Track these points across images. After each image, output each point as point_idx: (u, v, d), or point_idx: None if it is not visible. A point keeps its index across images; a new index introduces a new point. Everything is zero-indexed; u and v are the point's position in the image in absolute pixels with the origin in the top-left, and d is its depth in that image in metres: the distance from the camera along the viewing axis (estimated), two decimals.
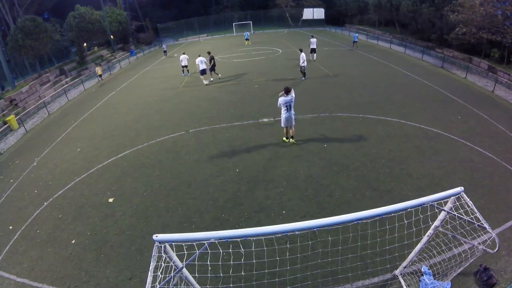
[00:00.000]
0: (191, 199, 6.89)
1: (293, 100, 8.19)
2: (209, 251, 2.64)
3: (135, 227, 6.21)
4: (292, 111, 8.27)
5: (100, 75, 21.22)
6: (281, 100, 8.05)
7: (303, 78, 15.17)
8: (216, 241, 2.53)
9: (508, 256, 4.82)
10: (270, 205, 6.45)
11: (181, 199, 6.90)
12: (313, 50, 19.29)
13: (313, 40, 18.88)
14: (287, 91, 7.95)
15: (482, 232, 3.33)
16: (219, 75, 16.61)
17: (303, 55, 14.63)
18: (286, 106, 8.10)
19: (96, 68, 21.52)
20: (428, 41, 22.19)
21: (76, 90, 19.55)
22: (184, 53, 18.40)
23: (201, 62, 15.55)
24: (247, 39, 30.04)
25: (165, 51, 29.31)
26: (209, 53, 16.21)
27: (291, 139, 8.84)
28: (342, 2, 38.67)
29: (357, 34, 24.72)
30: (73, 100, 17.47)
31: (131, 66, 26.10)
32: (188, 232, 2.69)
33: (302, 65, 14.79)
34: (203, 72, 15.67)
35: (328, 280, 4.42)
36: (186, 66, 18.40)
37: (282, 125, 8.57)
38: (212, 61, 15.82)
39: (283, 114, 8.25)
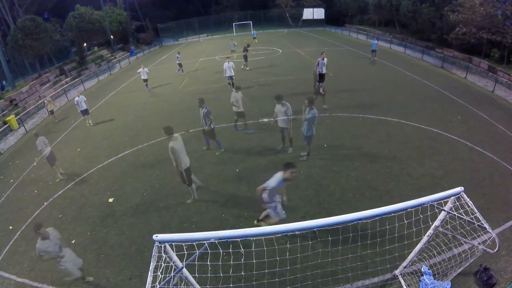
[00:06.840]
0: (191, 199, 6.88)
1: None
2: (209, 251, 2.64)
3: (135, 227, 6.21)
4: None
5: (52, 111, 13.91)
6: None
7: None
8: (216, 241, 2.53)
9: (508, 256, 4.83)
10: None
11: (181, 199, 6.90)
12: (321, 78, 11.68)
13: (323, 61, 11.49)
14: None
15: (482, 232, 3.33)
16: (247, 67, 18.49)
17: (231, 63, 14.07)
18: None
19: (45, 101, 14.43)
20: (428, 41, 22.18)
21: (76, 90, 19.53)
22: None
23: (144, 73, 15.98)
24: (254, 38, 30.36)
25: (179, 64, 19.05)
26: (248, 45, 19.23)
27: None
28: (342, 2, 38.58)
29: (377, 41, 19.28)
30: (73, 100, 17.44)
31: (131, 66, 26.04)
32: (188, 232, 2.69)
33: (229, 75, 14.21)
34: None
35: (328, 280, 4.41)
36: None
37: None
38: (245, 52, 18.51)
39: None
